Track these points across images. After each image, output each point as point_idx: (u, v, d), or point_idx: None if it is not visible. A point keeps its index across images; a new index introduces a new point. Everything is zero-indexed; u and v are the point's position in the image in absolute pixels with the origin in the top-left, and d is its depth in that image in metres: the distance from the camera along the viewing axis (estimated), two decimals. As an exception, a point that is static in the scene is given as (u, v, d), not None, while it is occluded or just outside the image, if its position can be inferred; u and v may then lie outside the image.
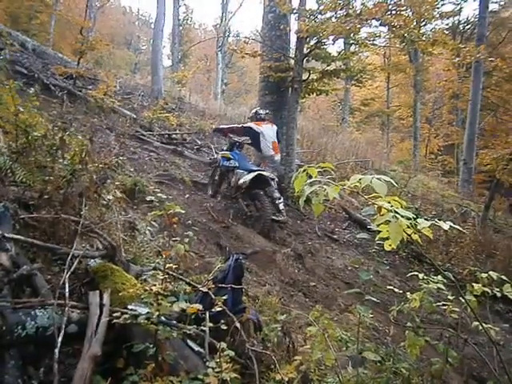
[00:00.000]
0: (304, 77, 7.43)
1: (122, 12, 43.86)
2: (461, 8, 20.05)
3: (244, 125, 6.63)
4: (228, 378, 1.70)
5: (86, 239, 2.90)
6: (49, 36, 19.35)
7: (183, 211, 2.15)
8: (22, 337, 1.83)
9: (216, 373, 1.69)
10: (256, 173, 5.95)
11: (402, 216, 1.72)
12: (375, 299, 2.81)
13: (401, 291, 2.80)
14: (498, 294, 2.13)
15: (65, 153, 3.42)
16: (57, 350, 1.71)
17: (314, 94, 8.07)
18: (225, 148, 6.78)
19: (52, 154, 3.44)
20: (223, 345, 1.75)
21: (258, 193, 5.95)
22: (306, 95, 8.06)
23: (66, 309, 1.94)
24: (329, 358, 2.14)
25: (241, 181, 6.04)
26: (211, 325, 2.06)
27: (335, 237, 6.69)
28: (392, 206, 1.76)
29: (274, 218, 5.97)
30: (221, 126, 6.99)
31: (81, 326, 2.01)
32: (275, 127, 6.75)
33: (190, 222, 5.12)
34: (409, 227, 1.79)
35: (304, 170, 1.84)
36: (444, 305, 2.37)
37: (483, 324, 2.05)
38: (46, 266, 2.49)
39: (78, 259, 2.37)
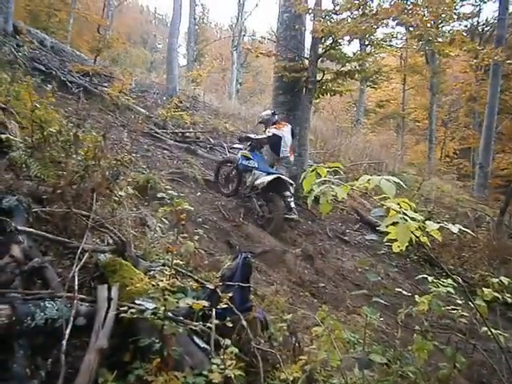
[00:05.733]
0: (318, 77, 7.40)
1: (139, 11, 44.32)
2: (480, 9, 19.71)
3: (269, 135, 6.56)
4: (232, 375, 1.70)
5: (97, 234, 2.94)
6: (67, 34, 19.66)
7: (191, 208, 2.17)
8: (32, 327, 1.86)
9: (220, 369, 1.70)
10: (275, 175, 5.95)
11: (411, 218, 1.71)
12: (384, 301, 2.78)
13: (410, 294, 2.77)
14: (510, 300, 2.10)
15: (78, 149, 3.47)
16: (64, 342, 1.74)
17: (328, 95, 8.03)
18: (242, 147, 6.76)
19: (66, 149, 3.49)
20: (227, 342, 1.76)
21: (273, 195, 5.95)
22: (320, 95, 8.02)
23: (75, 302, 1.97)
24: (334, 359, 2.14)
25: (258, 181, 6.04)
26: (217, 322, 2.07)
27: (346, 238, 6.65)
28: (401, 208, 1.75)
29: (286, 216, 5.99)
30: (251, 136, 6.90)
31: (89, 319, 2.04)
32: (290, 126, 6.74)
33: (200, 219, 5.15)
34: (417, 229, 1.77)
35: (313, 170, 1.83)
36: (453, 309, 2.34)
37: (492, 330, 2.02)
38: (57, 259, 2.53)
39: (88, 253, 2.40)
